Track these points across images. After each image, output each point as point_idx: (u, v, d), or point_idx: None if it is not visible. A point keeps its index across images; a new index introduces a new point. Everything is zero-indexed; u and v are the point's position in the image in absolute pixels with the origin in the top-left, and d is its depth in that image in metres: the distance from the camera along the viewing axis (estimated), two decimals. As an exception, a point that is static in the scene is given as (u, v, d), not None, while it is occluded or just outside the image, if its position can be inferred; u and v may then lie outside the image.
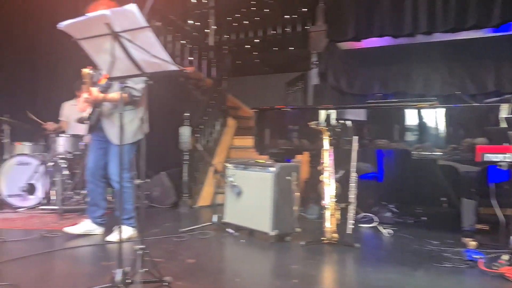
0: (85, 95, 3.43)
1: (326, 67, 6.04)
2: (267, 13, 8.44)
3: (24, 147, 5.46)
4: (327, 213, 3.59)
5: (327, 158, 3.69)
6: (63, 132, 5.48)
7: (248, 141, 6.71)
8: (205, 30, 9.01)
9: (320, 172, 3.74)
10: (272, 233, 3.59)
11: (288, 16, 8.18)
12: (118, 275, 2.24)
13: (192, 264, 3.05)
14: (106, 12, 1.96)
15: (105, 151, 3.67)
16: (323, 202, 3.63)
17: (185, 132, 5.44)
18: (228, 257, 3.56)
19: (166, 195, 5.58)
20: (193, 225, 4.14)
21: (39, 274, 2.84)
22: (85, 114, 3.54)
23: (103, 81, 3.50)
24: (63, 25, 2.09)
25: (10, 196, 5.09)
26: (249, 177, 3.86)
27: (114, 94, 3.41)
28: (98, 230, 3.81)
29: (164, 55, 2.00)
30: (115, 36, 1.99)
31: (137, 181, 2.26)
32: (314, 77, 6.19)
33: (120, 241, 2.36)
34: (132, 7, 1.90)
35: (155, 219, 4.66)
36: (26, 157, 5.24)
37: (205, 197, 5.75)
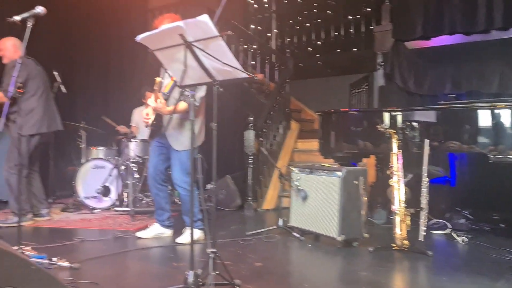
0: (152, 103, 3.51)
1: (393, 68, 5.86)
2: (329, 15, 8.34)
3: (99, 151, 5.76)
4: (397, 219, 3.48)
5: (396, 161, 3.58)
6: (134, 137, 5.72)
7: (311, 144, 6.68)
8: (267, 34, 9.09)
9: (389, 176, 3.63)
10: (339, 238, 3.54)
11: (352, 17, 8.04)
12: (191, 277, 2.30)
13: (260, 267, 3.07)
14: (180, 23, 2.03)
15: (166, 157, 3.77)
16: (392, 207, 3.52)
17: (249, 136, 5.50)
18: (295, 261, 3.54)
19: (231, 198, 5.67)
20: (259, 228, 4.18)
21: (115, 273, 2.99)
22: (150, 120, 3.65)
23: (167, 89, 3.62)
24: (140, 37, 2.20)
25: (86, 198, 5.38)
26: (315, 181, 3.83)
27: (181, 105, 3.50)
28: (167, 233, 3.95)
29: (235, 63, 2.04)
30: (188, 46, 2.06)
31: (209, 186, 2.31)
32: (379, 78, 6.03)
33: (192, 243, 2.42)
34: (205, 18, 1.96)
35: (221, 222, 4.75)
36: (101, 161, 5.51)
37: (269, 201, 5.78)
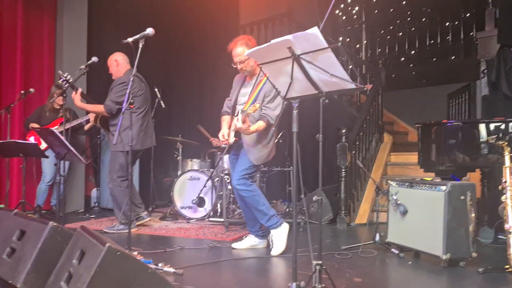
0: (238, 124, 3.46)
1: (499, 76, 5.43)
2: (424, 23, 8.02)
3: (194, 163, 6.01)
4: (511, 239, 3.19)
5: (509, 176, 3.31)
6: (228, 149, 5.88)
7: (405, 157, 6.43)
8: (357, 46, 8.96)
9: (498, 192, 3.37)
10: (444, 256, 3.32)
11: (449, 24, 7.64)
12: (293, 288, 2.30)
13: (359, 283, 2.99)
14: (289, 37, 2.07)
15: None
16: (506, 225, 3.24)
17: (342, 149, 5.41)
18: (397, 279, 3.39)
19: (322, 211, 5.59)
20: (352, 243, 4.08)
21: (215, 281, 3.08)
22: (231, 139, 3.74)
23: (246, 107, 3.66)
24: (248, 52, 2.28)
25: (182, 208, 5.61)
26: (416, 196, 3.65)
27: (260, 124, 3.58)
28: (261, 244, 3.98)
29: (344, 74, 2.03)
30: (296, 58, 2.08)
31: (315, 197, 2.30)
32: (483, 87, 5.64)
33: (295, 254, 2.42)
34: (315, 30, 1.97)
35: (314, 235, 4.68)
36: (196, 172, 5.72)
37: (362, 215, 5.62)
